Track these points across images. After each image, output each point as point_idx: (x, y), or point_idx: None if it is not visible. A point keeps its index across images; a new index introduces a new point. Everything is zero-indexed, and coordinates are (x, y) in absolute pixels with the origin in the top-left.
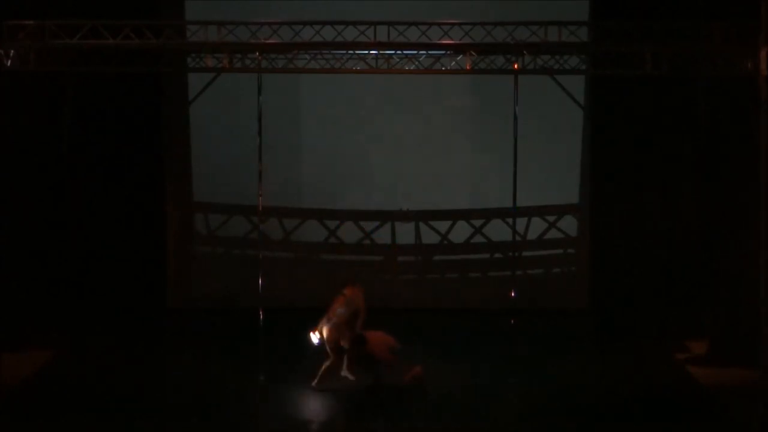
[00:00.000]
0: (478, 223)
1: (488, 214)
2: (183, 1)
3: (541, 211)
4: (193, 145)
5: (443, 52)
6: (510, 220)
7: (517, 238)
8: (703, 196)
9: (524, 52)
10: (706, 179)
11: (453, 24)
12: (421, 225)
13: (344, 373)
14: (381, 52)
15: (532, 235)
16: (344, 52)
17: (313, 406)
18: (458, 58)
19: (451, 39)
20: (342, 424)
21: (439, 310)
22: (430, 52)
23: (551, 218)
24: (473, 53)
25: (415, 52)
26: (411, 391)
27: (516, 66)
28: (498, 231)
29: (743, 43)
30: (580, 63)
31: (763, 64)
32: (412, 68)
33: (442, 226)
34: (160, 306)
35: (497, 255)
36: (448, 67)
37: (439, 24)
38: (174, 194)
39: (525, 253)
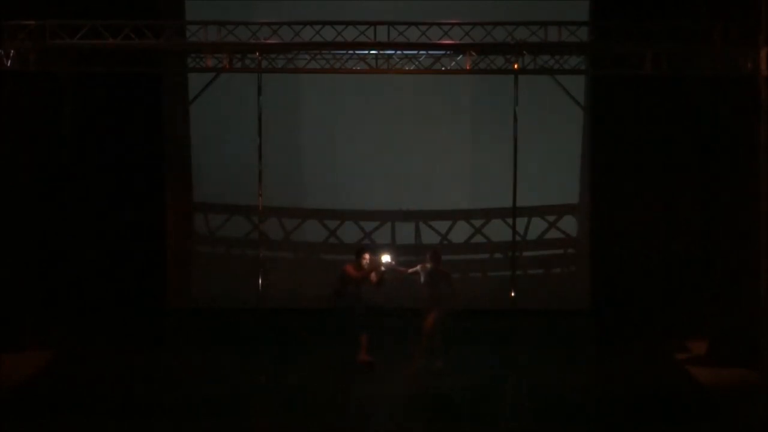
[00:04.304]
0: (478, 223)
1: (488, 214)
2: (183, 1)
3: (541, 211)
4: (193, 145)
5: (443, 52)
6: (510, 220)
7: (517, 238)
8: (702, 196)
9: (524, 52)
10: (705, 179)
11: (453, 24)
12: (421, 225)
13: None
14: (381, 52)
15: (532, 235)
16: (344, 52)
17: (313, 406)
18: (458, 58)
19: (451, 39)
20: (341, 424)
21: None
22: (430, 52)
23: (551, 218)
24: (473, 53)
25: (415, 52)
26: (411, 392)
27: (516, 66)
28: (498, 231)
29: (743, 43)
30: (580, 63)
31: (763, 64)
32: (412, 68)
33: (442, 226)
34: (160, 306)
35: (497, 255)
36: (448, 67)
37: (439, 24)
38: (174, 194)
39: (525, 253)
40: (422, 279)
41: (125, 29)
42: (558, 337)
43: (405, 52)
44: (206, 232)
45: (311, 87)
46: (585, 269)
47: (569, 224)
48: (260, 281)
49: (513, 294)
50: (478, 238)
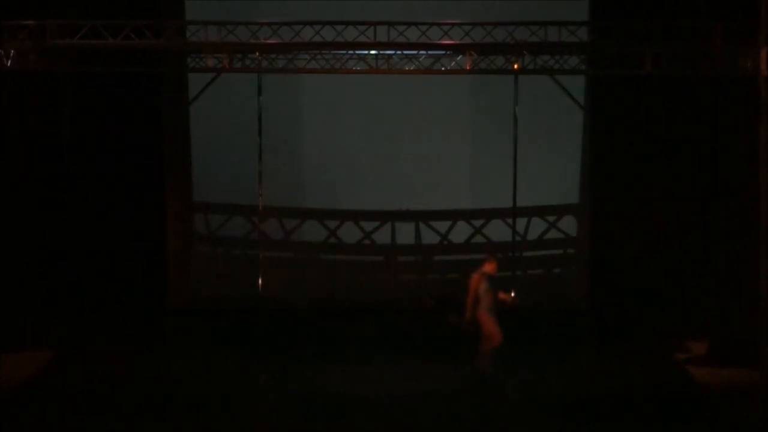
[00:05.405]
0: (478, 223)
1: (488, 214)
2: (183, 1)
3: (541, 211)
4: (193, 145)
5: (443, 52)
6: (510, 220)
7: (517, 238)
8: (702, 196)
9: (524, 52)
10: (705, 179)
11: (453, 24)
12: (421, 225)
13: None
14: (381, 52)
15: (532, 235)
16: (344, 52)
17: (313, 406)
18: (458, 58)
19: (451, 39)
20: (341, 424)
21: (439, 310)
22: (430, 52)
23: (551, 218)
24: (473, 53)
25: (415, 52)
26: (410, 392)
27: (516, 66)
28: (498, 231)
29: (743, 43)
30: (580, 63)
31: (763, 64)
32: (412, 68)
33: (442, 226)
34: (160, 306)
35: (497, 255)
36: (448, 67)
37: (439, 24)
38: (174, 194)
39: (525, 253)
40: (487, 286)
41: (125, 29)
42: (558, 337)
43: (405, 52)
44: (206, 232)
45: (311, 87)
46: (585, 269)
47: (569, 224)
48: (260, 281)
49: (513, 294)
50: (478, 238)
